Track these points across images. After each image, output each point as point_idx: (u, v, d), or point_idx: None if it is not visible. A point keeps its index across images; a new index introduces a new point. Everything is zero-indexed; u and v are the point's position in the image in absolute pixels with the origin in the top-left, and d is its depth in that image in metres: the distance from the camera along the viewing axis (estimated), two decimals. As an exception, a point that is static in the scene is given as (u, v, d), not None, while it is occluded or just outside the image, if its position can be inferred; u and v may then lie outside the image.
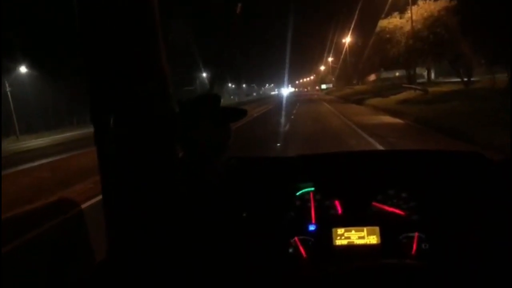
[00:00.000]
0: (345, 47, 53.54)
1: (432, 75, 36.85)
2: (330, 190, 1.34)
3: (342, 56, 57.36)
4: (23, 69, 37.04)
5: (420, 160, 1.45)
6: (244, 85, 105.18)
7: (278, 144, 10.34)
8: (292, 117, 19.74)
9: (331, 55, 75.53)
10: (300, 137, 11.65)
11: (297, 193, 1.36)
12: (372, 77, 66.98)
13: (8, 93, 31.37)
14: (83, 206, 1.15)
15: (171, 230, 0.96)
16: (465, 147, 7.37)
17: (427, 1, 22.92)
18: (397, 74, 60.97)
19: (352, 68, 57.92)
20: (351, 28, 50.08)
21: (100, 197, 0.93)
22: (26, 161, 12.67)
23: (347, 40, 52.49)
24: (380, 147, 8.45)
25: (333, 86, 79.92)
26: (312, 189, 1.36)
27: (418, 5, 23.53)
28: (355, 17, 44.16)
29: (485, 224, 1.22)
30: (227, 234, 1.14)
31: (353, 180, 1.36)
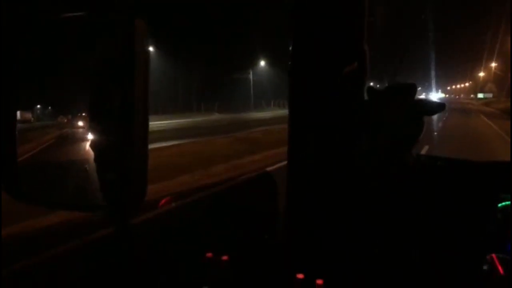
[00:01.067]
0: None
1: None
2: None
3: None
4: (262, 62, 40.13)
5: None
6: (387, 84, 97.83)
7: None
8: (435, 134, 15.31)
9: (494, 59, 64.94)
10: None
11: (500, 205, 1.20)
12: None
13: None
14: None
15: (348, 217, 0.98)
16: None
17: None
18: None
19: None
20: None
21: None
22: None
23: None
24: None
25: (494, 96, 68.89)
26: None
27: None
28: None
29: None
30: (405, 234, 1.08)
31: None
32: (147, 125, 0.72)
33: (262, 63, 42.26)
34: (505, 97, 59.98)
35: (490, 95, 71.46)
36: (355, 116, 1.01)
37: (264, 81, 41.75)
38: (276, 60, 43.56)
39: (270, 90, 43.58)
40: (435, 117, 22.91)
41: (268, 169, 1.37)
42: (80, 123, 0.83)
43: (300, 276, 0.82)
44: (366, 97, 1.07)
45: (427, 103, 1.07)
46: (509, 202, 1.17)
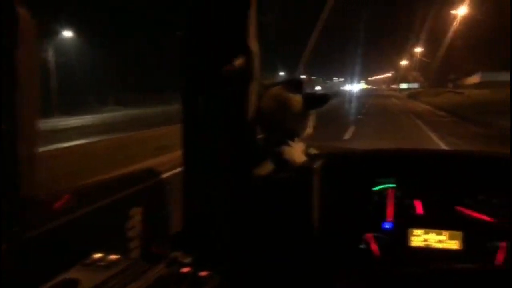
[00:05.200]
0: (455, 23, 32.92)
1: None
2: (412, 188, 1.28)
3: (445, 41, 36.67)
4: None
5: None
6: (303, 76, 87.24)
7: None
8: None
9: (420, 44, 54.49)
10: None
11: (376, 188, 1.30)
12: (475, 79, 46.73)
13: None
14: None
15: (246, 209, 1.03)
16: None
17: None
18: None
19: (457, 61, 37.75)
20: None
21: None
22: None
23: (458, 12, 32.05)
24: None
25: (420, 86, 58.98)
26: (393, 185, 1.29)
27: None
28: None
29: None
30: (296, 219, 1.12)
31: (439, 181, 1.28)
32: (34, 134, 0.70)
33: (68, 34, 26.04)
34: (430, 86, 50.31)
35: (415, 85, 62.08)
36: (248, 112, 1.01)
37: (98, 66, 26.53)
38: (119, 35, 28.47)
39: (113, 80, 28.37)
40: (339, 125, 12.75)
41: (164, 176, 1.38)
42: None
43: (185, 269, 0.85)
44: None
45: (312, 96, 1.08)
46: (383, 186, 1.27)
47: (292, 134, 1.10)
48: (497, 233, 1.20)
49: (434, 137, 10.34)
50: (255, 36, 1.01)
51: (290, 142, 1.08)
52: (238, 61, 0.97)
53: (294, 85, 1.10)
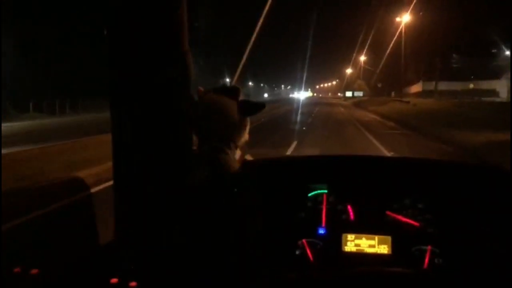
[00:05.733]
0: (400, 28, 32.58)
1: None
2: (344, 194, 1.29)
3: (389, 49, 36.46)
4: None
5: (440, 171, 1.36)
6: (250, 83, 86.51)
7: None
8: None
9: (364, 52, 54.91)
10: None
11: (310, 194, 1.30)
12: (417, 87, 47.51)
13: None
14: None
15: (178, 218, 1.00)
16: None
17: None
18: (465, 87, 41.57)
19: (398, 70, 37.71)
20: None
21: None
22: None
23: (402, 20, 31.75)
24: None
25: (365, 95, 59.30)
26: (326, 191, 1.30)
27: None
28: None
29: (505, 243, 1.17)
30: (230, 228, 1.10)
31: (369, 186, 1.30)
32: None
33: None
34: (372, 95, 50.69)
35: (360, 94, 62.52)
36: (185, 118, 1.01)
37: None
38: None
39: (38, 84, 25.11)
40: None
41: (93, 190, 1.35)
42: None
43: (114, 280, 0.83)
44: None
45: (247, 103, 1.10)
46: (317, 192, 1.28)
47: (228, 141, 1.07)
48: (423, 237, 1.21)
49: (381, 147, 8.76)
50: (187, 41, 0.97)
51: (226, 149, 1.06)
52: (170, 69, 0.94)
53: (229, 91, 1.09)
